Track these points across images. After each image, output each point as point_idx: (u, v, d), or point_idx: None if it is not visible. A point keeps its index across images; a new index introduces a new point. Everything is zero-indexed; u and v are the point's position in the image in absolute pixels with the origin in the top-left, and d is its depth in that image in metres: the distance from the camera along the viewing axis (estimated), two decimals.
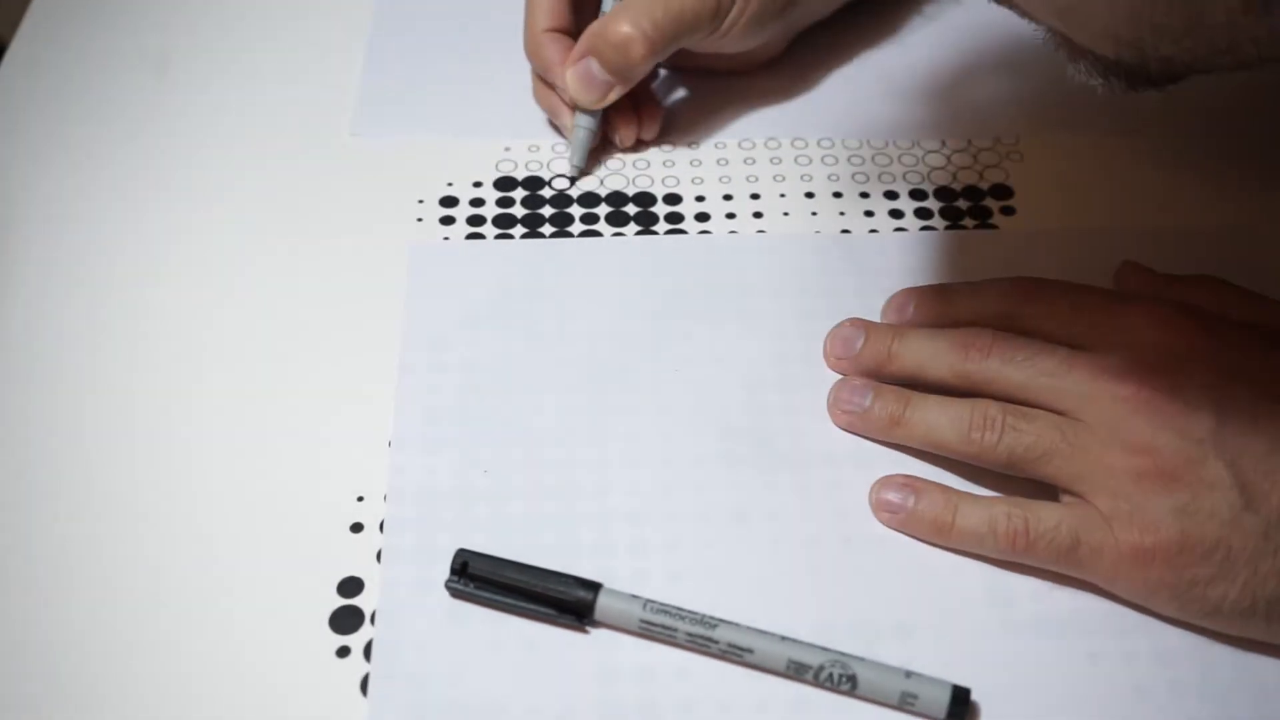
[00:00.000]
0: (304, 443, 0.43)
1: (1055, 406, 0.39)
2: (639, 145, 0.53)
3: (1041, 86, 0.56)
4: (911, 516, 0.40)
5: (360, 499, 0.41)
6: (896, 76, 0.57)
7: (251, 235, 0.50)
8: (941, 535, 0.40)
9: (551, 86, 0.52)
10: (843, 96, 0.56)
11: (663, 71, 0.56)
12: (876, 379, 0.43)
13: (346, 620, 0.38)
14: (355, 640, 0.38)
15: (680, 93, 0.56)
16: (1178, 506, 0.36)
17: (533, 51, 0.53)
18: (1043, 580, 0.39)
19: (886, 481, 0.41)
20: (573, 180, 0.52)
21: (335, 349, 0.45)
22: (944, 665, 0.37)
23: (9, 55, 0.58)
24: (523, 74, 0.55)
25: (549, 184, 0.52)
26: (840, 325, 0.45)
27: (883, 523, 0.41)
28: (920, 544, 0.40)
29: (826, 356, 0.45)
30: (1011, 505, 0.39)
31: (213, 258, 0.49)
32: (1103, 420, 0.38)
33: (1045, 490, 0.40)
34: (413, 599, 0.39)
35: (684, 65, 0.55)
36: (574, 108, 0.51)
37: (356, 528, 0.40)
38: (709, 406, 0.44)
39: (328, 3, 0.60)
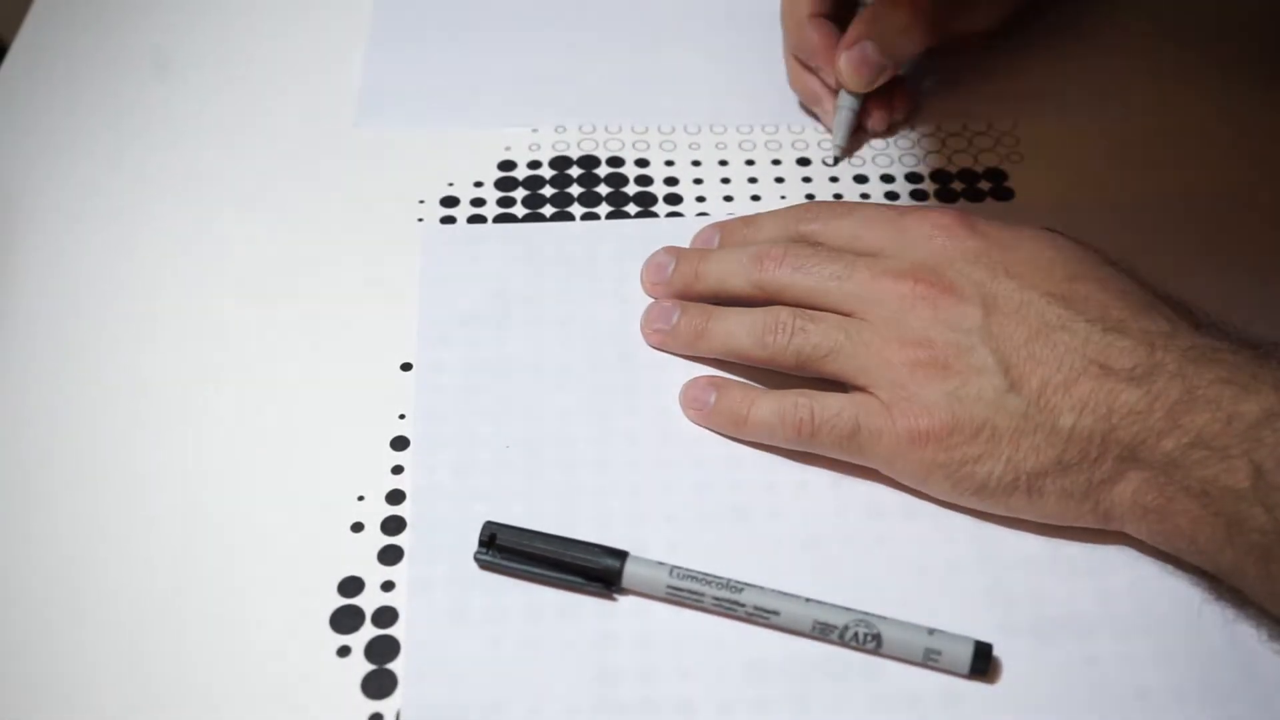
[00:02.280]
0: (304, 442, 0.43)
1: (841, 308, 0.42)
2: (891, 127, 0.54)
3: (1039, 72, 0.57)
4: (713, 411, 0.43)
5: (360, 499, 0.41)
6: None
7: (255, 232, 0.50)
8: (738, 427, 0.42)
9: (812, 71, 0.53)
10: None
11: None
12: (687, 299, 0.46)
13: (347, 620, 0.38)
14: (355, 640, 0.38)
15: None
16: (949, 391, 0.39)
17: (797, 37, 0.53)
18: (1043, 580, 0.39)
19: (694, 382, 0.44)
20: (835, 161, 0.53)
21: (336, 348, 0.46)
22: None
23: (11, 55, 0.58)
24: (525, 61, 0.56)
25: (551, 165, 0.52)
26: (654, 254, 0.47)
27: (690, 419, 0.43)
28: (920, 544, 0.40)
29: (643, 284, 0.47)
30: (800, 395, 0.41)
31: (215, 256, 0.49)
32: (883, 318, 0.41)
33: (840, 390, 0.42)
34: (439, 571, 0.39)
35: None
36: (837, 91, 0.52)
37: (357, 528, 0.40)
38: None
39: None
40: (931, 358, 0.40)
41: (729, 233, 0.47)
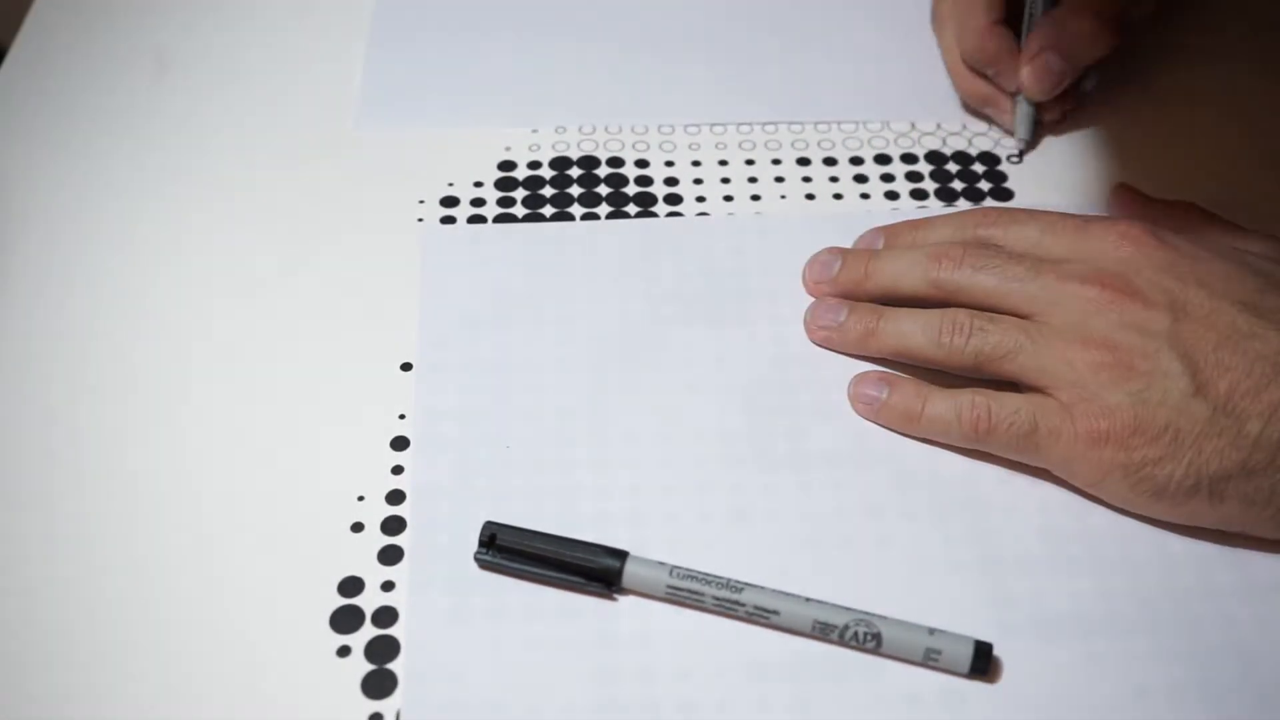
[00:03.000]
0: (304, 442, 0.43)
1: (1023, 310, 0.42)
2: (1064, 116, 0.54)
3: None
4: (885, 406, 0.43)
5: (360, 499, 0.41)
6: (888, 56, 0.58)
7: (255, 233, 0.50)
8: (911, 424, 0.42)
9: (984, 76, 0.53)
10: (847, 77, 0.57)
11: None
12: (853, 299, 0.45)
13: (347, 620, 0.38)
14: (355, 640, 0.38)
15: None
16: (1132, 393, 0.39)
17: (978, 45, 0.53)
18: (1043, 580, 0.39)
19: (864, 377, 0.44)
20: (1020, 158, 0.53)
21: (336, 348, 0.46)
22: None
23: (10, 57, 0.58)
24: (525, 61, 0.56)
25: (564, 164, 0.52)
26: (818, 253, 0.47)
27: (859, 414, 0.43)
28: (920, 544, 0.40)
29: (805, 283, 0.47)
30: (976, 394, 0.41)
31: (215, 257, 0.49)
32: (1066, 321, 0.41)
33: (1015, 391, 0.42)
34: (441, 582, 0.39)
35: None
36: (1014, 94, 0.53)
37: (357, 527, 0.40)
38: (710, 408, 0.44)
39: None
40: (1116, 360, 0.39)
41: (895, 234, 0.47)
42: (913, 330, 0.43)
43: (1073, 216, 0.44)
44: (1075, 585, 0.39)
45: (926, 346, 0.42)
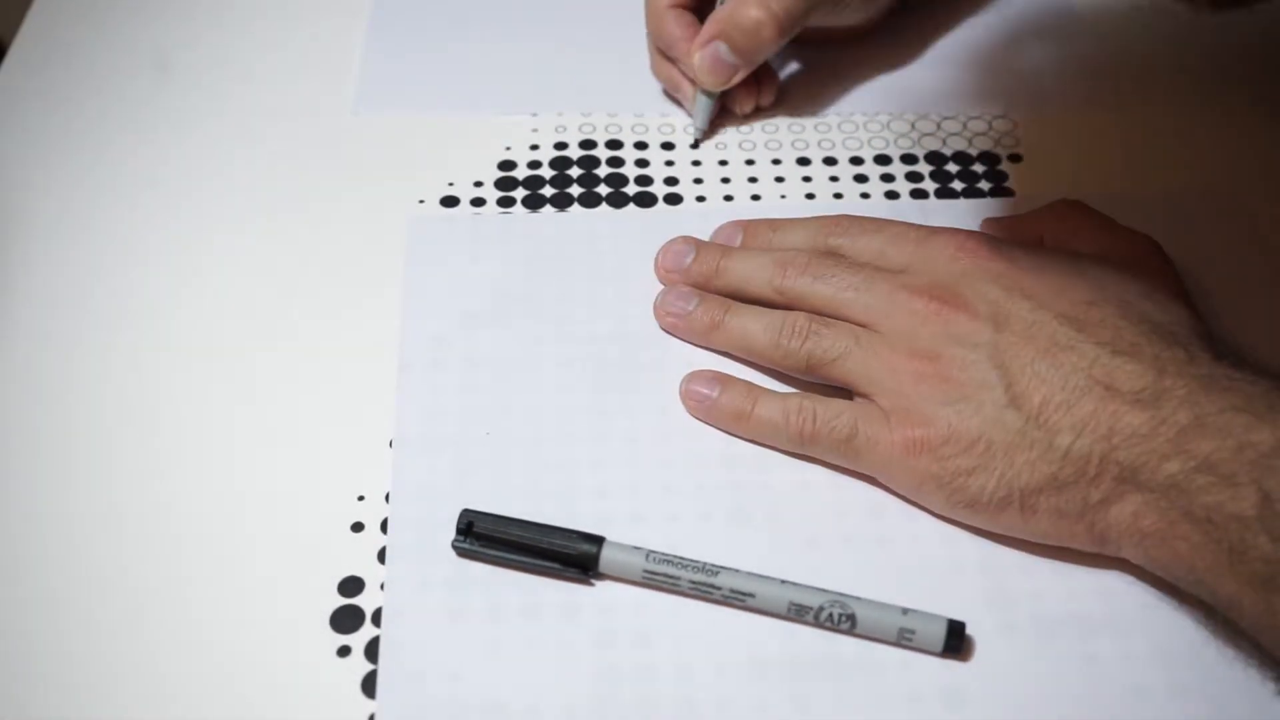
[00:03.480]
0: (304, 442, 0.43)
1: (858, 319, 0.43)
2: (757, 112, 0.54)
3: (1039, 69, 0.57)
4: (715, 406, 0.43)
5: (360, 498, 0.41)
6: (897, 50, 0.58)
7: (255, 227, 0.50)
8: (740, 424, 0.43)
9: (672, 60, 0.54)
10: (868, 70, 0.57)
11: None
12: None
13: (347, 620, 0.38)
14: (355, 640, 0.38)
15: None
16: (948, 403, 0.40)
17: (656, 27, 0.54)
18: (1043, 580, 0.39)
19: (697, 375, 0.44)
20: (695, 145, 0.53)
21: (337, 345, 0.45)
22: (942, 665, 0.37)
23: (11, 55, 0.58)
24: (525, 48, 0.56)
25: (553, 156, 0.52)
26: (673, 241, 0.48)
27: (689, 412, 0.44)
28: (920, 544, 0.40)
29: (657, 269, 0.48)
30: (804, 398, 0.42)
31: (215, 252, 0.49)
32: (896, 330, 0.42)
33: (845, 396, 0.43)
34: (419, 570, 0.39)
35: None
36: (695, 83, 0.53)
37: (357, 527, 0.40)
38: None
39: None
40: (936, 370, 0.40)
41: (752, 234, 0.48)
42: (755, 329, 0.44)
43: (918, 228, 0.45)
44: (1075, 585, 0.39)
45: (766, 346, 0.43)
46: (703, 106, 0.53)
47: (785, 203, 0.51)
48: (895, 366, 0.41)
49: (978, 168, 0.53)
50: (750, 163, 0.53)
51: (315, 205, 0.51)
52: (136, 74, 0.57)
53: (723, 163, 0.53)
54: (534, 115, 0.54)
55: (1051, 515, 0.38)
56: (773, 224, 0.48)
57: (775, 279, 0.44)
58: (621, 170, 0.52)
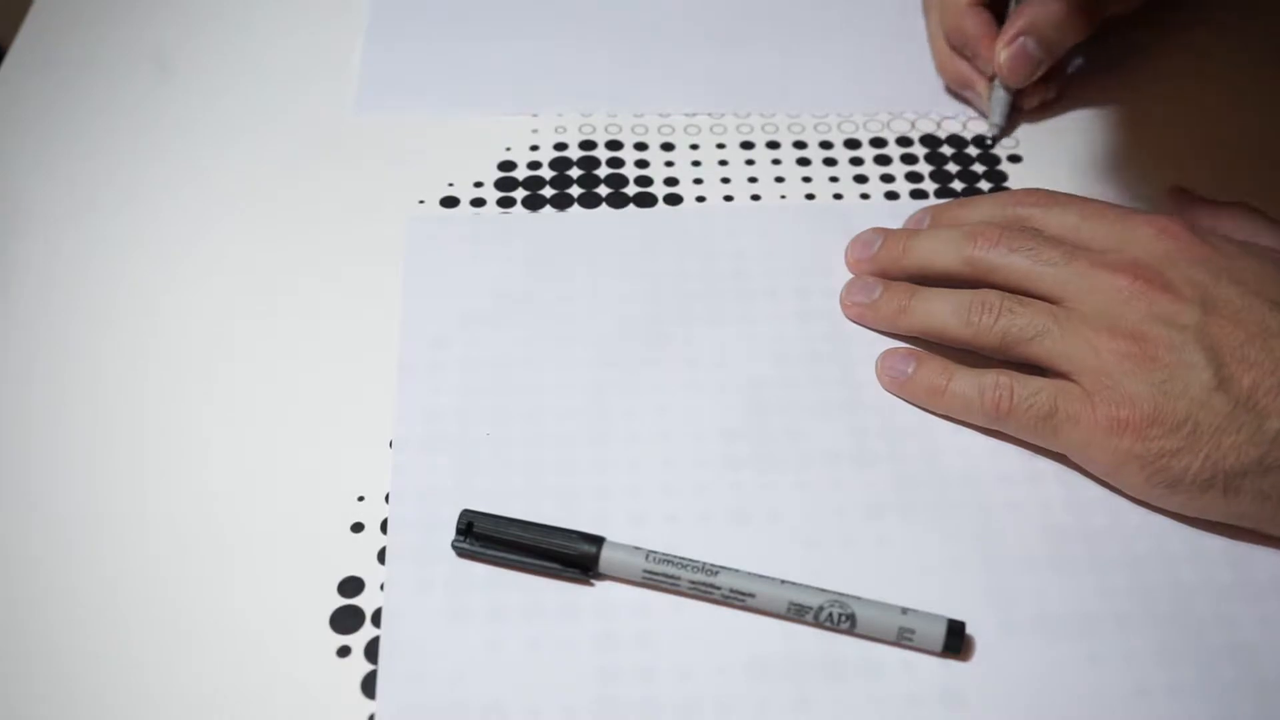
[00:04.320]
0: (304, 442, 0.43)
1: (1053, 295, 0.42)
2: (1041, 106, 0.55)
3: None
4: (910, 381, 0.43)
5: (360, 499, 0.41)
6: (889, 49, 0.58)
7: (255, 229, 0.50)
8: (935, 399, 0.43)
9: (964, 57, 0.54)
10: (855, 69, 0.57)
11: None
12: (891, 277, 0.46)
13: (347, 620, 0.38)
14: (355, 640, 0.38)
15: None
16: (1155, 384, 0.39)
17: (955, 25, 0.54)
18: (1043, 580, 0.39)
19: (892, 351, 0.44)
20: (994, 141, 0.54)
21: (338, 347, 0.45)
22: (942, 665, 0.37)
23: (11, 56, 0.58)
24: (526, 48, 0.56)
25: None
26: (862, 231, 0.48)
27: (884, 387, 0.44)
28: (920, 544, 0.40)
29: (847, 261, 0.48)
30: (1000, 374, 0.42)
31: (215, 251, 0.49)
32: (1096, 308, 0.41)
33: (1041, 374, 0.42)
34: (419, 570, 0.39)
35: None
36: (992, 78, 0.53)
37: (357, 528, 0.40)
38: (710, 408, 0.44)
39: None
40: (1141, 350, 0.40)
41: (940, 213, 0.48)
42: (943, 309, 0.43)
43: (1114, 206, 0.44)
44: (1075, 584, 0.39)
45: (955, 325, 0.43)
46: (1000, 102, 0.53)
47: (785, 204, 0.51)
48: (1097, 345, 0.40)
49: (978, 168, 0.53)
50: (750, 163, 0.53)
51: (315, 205, 0.51)
52: (136, 74, 0.57)
53: (723, 163, 0.53)
54: (534, 115, 0.54)
55: (1255, 497, 0.38)
56: (960, 202, 0.48)
57: (965, 249, 0.44)
58: (621, 171, 0.52)
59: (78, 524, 0.40)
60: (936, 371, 0.43)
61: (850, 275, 0.47)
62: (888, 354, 0.44)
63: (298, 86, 0.56)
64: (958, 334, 0.43)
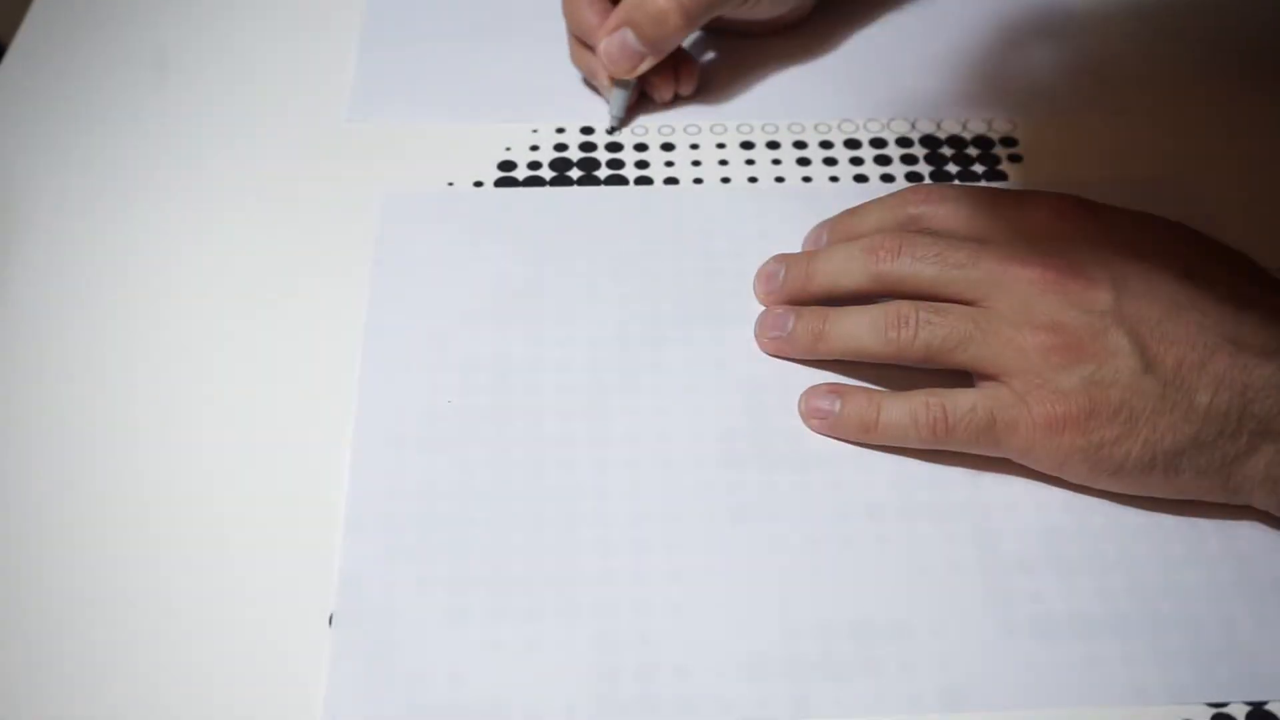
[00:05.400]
0: (304, 441, 0.43)
1: (966, 297, 0.42)
2: (676, 100, 0.55)
3: (1037, 70, 0.57)
4: (839, 420, 0.42)
5: None
6: (888, 52, 0.58)
7: (252, 231, 0.50)
8: (868, 433, 0.42)
9: (589, 48, 0.54)
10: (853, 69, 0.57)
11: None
12: (801, 304, 0.45)
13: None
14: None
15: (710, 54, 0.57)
16: (1085, 376, 0.39)
17: (570, 14, 0.54)
18: (1043, 580, 0.39)
19: (814, 390, 0.43)
20: (611, 132, 0.53)
21: (338, 349, 0.45)
22: (942, 666, 0.37)
23: (10, 55, 0.58)
24: (521, 54, 0.56)
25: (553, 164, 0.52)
26: (765, 263, 0.47)
27: (813, 429, 0.43)
28: (920, 544, 0.40)
29: (756, 294, 0.47)
30: (929, 395, 0.41)
31: (213, 253, 0.49)
32: (1012, 304, 0.41)
33: (964, 381, 0.42)
34: (418, 570, 0.39)
35: (711, 28, 0.56)
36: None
37: None
38: (710, 408, 0.44)
39: None
40: (1064, 342, 0.39)
41: (834, 227, 0.47)
42: (859, 329, 0.42)
43: (1003, 191, 0.44)
44: (1075, 585, 0.39)
45: (875, 344, 0.42)
46: (617, 95, 0.53)
47: (783, 188, 0.51)
48: (1020, 345, 0.40)
49: (977, 168, 0.53)
50: (750, 163, 0.52)
51: (311, 209, 0.50)
52: (135, 75, 0.57)
53: (723, 163, 0.52)
54: (535, 131, 0.54)
55: (1194, 474, 0.39)
56: (850, 212, 0.47)
57: (869, 266, 0.43)
58: (622, 172, 0.52)
59: (74, 524, 0.40)
60: (864, 405, 0.42)
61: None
62: (809, 394, 0.43)
63: (296, 89, 0.56)
64: (879, 352, 0.42)
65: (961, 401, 0.41)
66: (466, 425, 0.43)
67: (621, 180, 0.52)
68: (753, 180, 0.52)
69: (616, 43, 0.51)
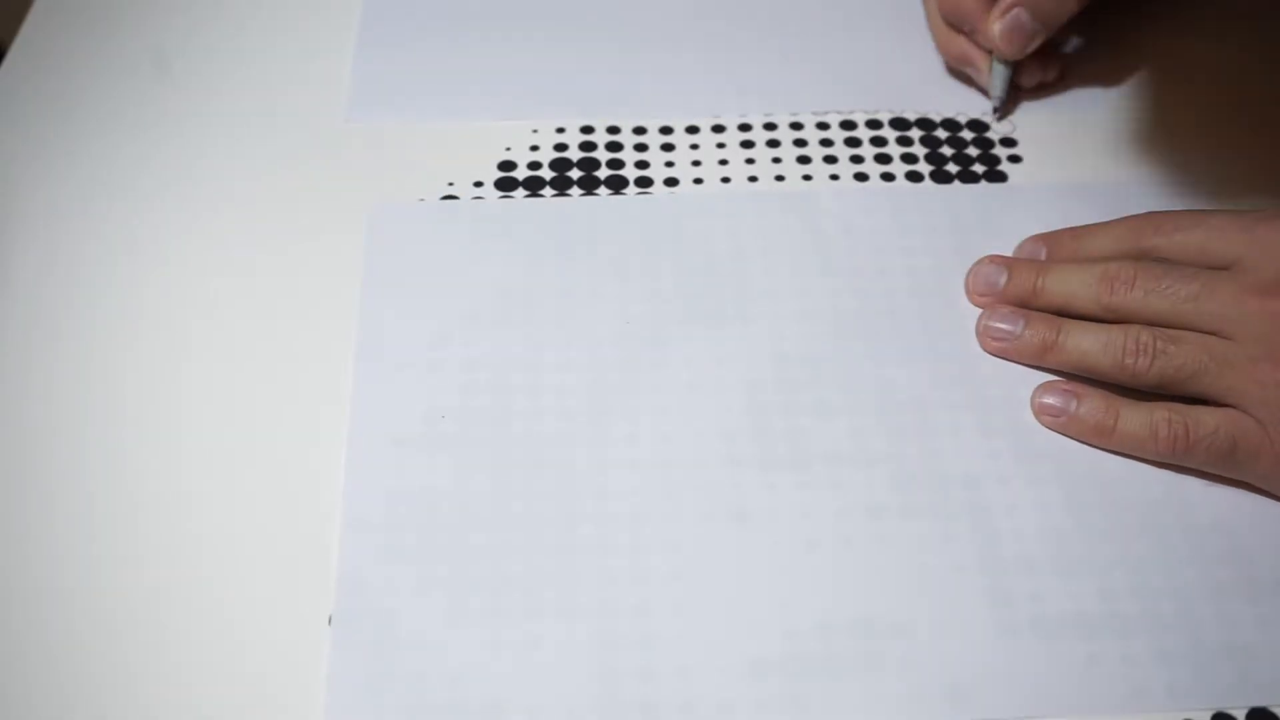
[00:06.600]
0: (304, 440, 0.43)
1: (1203, 328, 0.41)
2: (1041, 86, 0.55)
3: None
4: (1074, 419, 0.42)
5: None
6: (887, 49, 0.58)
7: (252, 231, 0.50)
8: (1103, 438, 0.42)
9: (963, 33, 0.54)
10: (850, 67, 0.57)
11: None
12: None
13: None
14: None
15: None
16: None
17: (951, 2, 0.54)
18: (1043, 580, 0.39)
19: (1048, 386, 0.43)
20: (998, 119, 0.54)
21: (338, 349, 0.45)
22: (943, 666, 0.37)
23: (10, 55, 0.58)
24: (521, 53, 0.56)
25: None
26: (980, 263, 0.47)
27: (1044, 425, 0.43)
28: (920, 544, 0.40)
29: (969, 294, 0.47)
30: (1171, 410, 0.41)
31: (212, 253, 0.49)
32: (1251, 336, 0.40)
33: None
34: (418, 570, 0.39)
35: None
36: (990, 52, 0.53)
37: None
38: (710, 408, 0.44)
39: None
40: None
41: (1057, 245, 0.47)
42: (1094, 349, 0.43)
43: (1239, 215, 0.43)
44: (1075, 585, 0.39)
45: (1108, 366, 0.42)
46: (999, 76, 0.53)
47: (781, 190, 0.51)
48: (1260, 378, 0.40)
49: (978, 168, 0.53)
50: (750, 161, 0.52)
51: (309, 211, 0.50)
52: (135, 75, 0.57)
53: (723, 162, 0.52)
54: (535, 132, 0.54)
55: None
56: (1075, 233, 0.47)
57: (1102, 296, 0.43)
58: (622, 172, 0.52)
59: (73, 524, 0.40)
60: (1101, 410, 0.42)
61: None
62: (1045, 389, 0.43)
63: (296, 90, 0.56)
64: (1111, 375, 0.42)
65: (1205, 421, 0.40)
66: (466, 424, 0.43)
67: (621, 180, 0.52)
68: (753, 180, 0.52)
69: (1011, 21, 0.51)
